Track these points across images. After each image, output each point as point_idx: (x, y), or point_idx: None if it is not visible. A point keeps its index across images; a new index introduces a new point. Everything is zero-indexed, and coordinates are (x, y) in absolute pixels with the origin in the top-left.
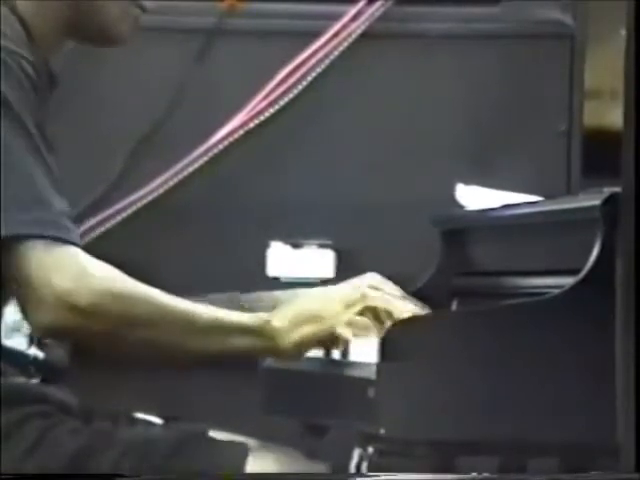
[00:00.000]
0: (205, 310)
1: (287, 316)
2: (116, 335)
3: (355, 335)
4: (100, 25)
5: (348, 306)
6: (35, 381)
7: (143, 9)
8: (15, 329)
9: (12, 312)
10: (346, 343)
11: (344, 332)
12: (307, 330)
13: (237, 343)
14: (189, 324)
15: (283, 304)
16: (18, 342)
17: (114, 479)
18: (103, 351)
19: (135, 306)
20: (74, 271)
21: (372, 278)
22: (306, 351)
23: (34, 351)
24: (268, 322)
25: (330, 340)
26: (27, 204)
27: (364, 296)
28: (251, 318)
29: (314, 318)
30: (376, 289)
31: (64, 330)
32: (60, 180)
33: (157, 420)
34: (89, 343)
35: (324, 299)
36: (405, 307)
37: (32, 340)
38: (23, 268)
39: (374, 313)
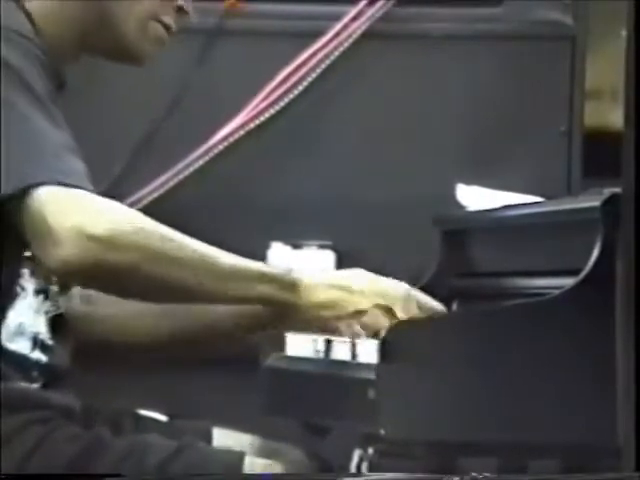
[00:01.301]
0: (229, 256)
1: (315, 276)
2: (139, 270)
3: (366, 326)
4: (118, 42)
5: (377, 295)
6: (37, 386)
7: (168, 28)
8: (18, 333)
9: (15, 315)
10: (356, 333)
11: (360, 319)
12: (330, 294)
13: (260, 290)
14: (210, 265)
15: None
16: (21, 346)
17: (113, 479)
18: (124, 290)
19: (155, 240)
20: (92, 205)
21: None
22: (322, 321)
23: (37, 355)
24: (295, 275)
25: (347, 318)
26: (42, 155)
27: (397, 299)
28: (273, 268)
29: (341, 287)
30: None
31: (85, 263)
32: (77, 149)
33: (162, 417)
34: (106, 281)
35: (359, 276)
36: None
37: (35, 343)
38: (41, 212)
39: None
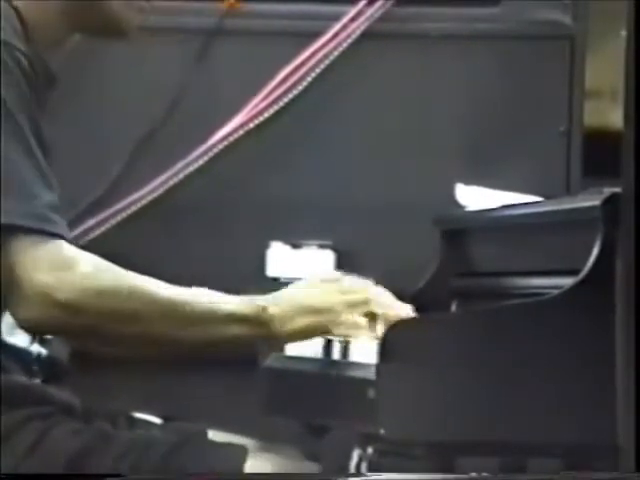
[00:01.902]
0: (198, 299)
1: (284, 303)
2: (102, 330)
3: (348, 336)
4: (103, 16)
5: (350, 306)
6: (38, 381)
7: None
8: (17, 325)
9: None
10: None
11: (341, 331)
12: (304, 321)
13: (233, 332)
14: (181, 316)
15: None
16: (21, 339)
17: (113, 479)
18: (91, 346)
19: (121, 301)
20: (56, 266)
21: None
22: (300, 341)
23: (37, 348)
24: (265, 309)
25: (325, 335)
26: (12, 195)
27: (368, 300)
28: (246, 305)
29: (314, 310)
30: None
31: (46, 325)
32: (50, 174)
33: (156, 420)
34: (74, 338)
35: (325, 293)
36: (402, 314)
37: (34, 337)
38: (6, 259)
39: (372, 318)
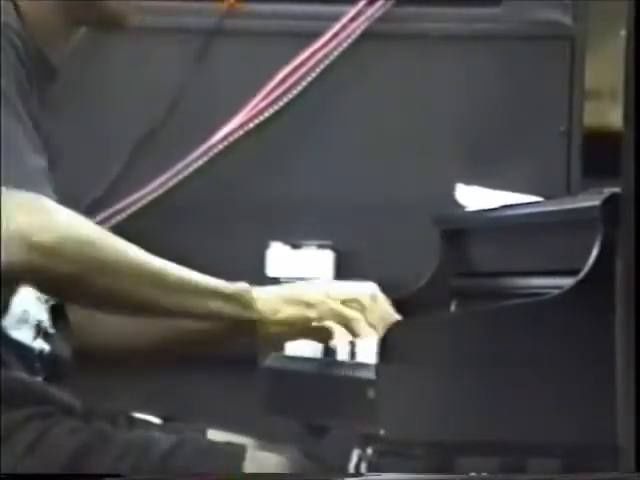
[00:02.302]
0: (178, 270)
1: (271, 291)
2: (82, 280)
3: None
4: (101, 8)
5: (336, 304)
6: (39, 378)
7: None
8: (23, 320)
9: (20, 303)
10: (329, 338)
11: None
12: (291, 311)
13: (215, 306)
14: (160, 281)
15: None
16: (24, 334)
17: (113, 479)
18: (69, 298)
19: (101, 252)
20: (41, 212)
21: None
22: (286, 337)
23: (40, 344)
24: (248, 291)
25: (313, 333)
26: (5, 157)
27: (355, 301)
28: (228, 285)
29: (300, 302)
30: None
31: (28, 269)
32: (39, 142)
33: (156, 420)
34: (55, 290)
35: (316, 288)
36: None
37: (38, 332)
38: None
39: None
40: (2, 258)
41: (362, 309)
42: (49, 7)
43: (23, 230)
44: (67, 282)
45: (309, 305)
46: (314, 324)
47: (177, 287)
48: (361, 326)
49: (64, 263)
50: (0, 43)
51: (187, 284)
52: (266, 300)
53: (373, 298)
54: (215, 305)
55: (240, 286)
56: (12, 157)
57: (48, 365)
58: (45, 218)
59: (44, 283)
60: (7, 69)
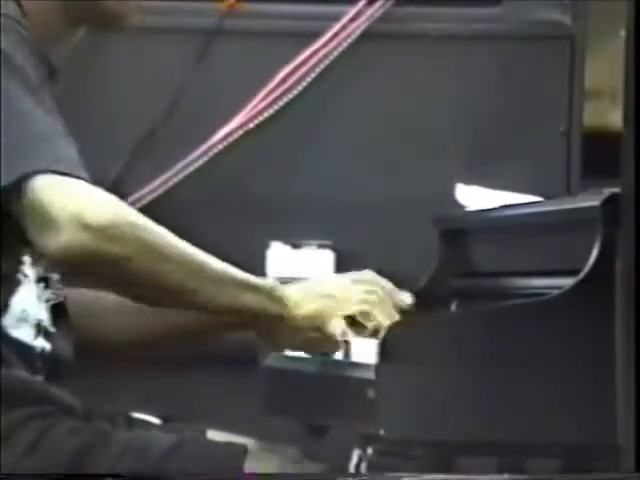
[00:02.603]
0: (219, 263)
1: (298, 287)
2: (129, 262)
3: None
4: (101, 7)
5: (362, 298)
6: (40, 377)
7: None
8: (22, 319)
9: (20, 302)
10: (345, 337)
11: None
12: (318, 304)
13: (247, 300)
14: (201, 269)
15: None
16: (25, 333)
17: (113, 479)
18: (116, 283)
19: (150, 236)
20: (90, 194)
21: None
22: (311, 330)
23: (40, 343)
24: (277, 287)
25: (335, 327)
26: (42, 144)
27: (378, 293)
28: (260, 279)
29: (324, 295)
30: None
31: (81, 251)
32: (68, 133)
33: (155, 420)
34: (105, 270)
35: (341, 284)
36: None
37: (39, 331)
38: (39, 201)
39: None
40: (58, 242)
41: (380, 297)
42: (49, 7)
43: (75, 213)
44: (119, 264)
45: (333, 296)
46: (337, 315)
47: (218, 278)
48: (387, 311)
49: (117, 244)
50: (14, 36)
51: (226, 277)
52: (293, 296)
53: (385, 302)
54: (250, 298)
55: (269, 281)
56: (46, 143)
57: (49, 364)
58: (94, 200)
59: (96, 266)
60: (28, 61)
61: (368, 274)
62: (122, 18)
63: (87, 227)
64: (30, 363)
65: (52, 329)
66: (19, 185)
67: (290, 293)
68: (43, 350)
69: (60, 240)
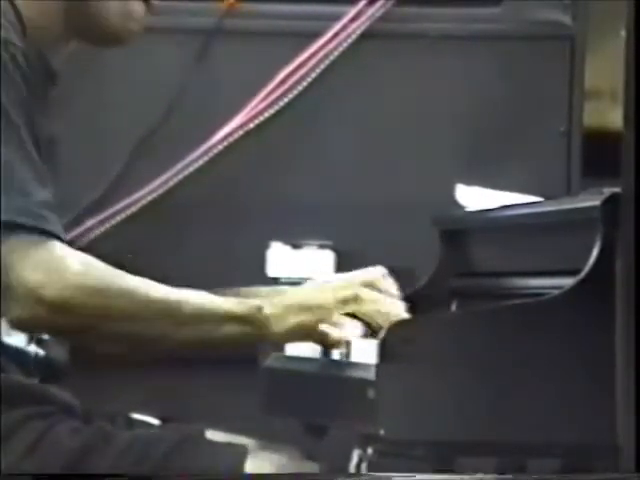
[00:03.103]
0: (192, 299)
1: (280, 303)
2: (94, 330)
3: (344, 334)
4: (101, 25)
5: (341, 302)
6: (36, 380)
7: (148, 2)
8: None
9: None
10: (336, 340)
11: (332, 328)
12: (299, 319)
13: (227, 331)
14: (174, 316)
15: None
16: (18, 339)
17: (114, 479)
18: (88, 343)
19: (111, 300)
20: (47, 264)
21: (373, 274)
22: (295, 341)
23: (34, 348)
24: (260, 309)
25: (320, 333)
26: (6, 192)
27: (357, 297)
28: (241, 305)
29: (307, 308)
30: (372, 287)
31: (36, 325)
32: (45, 173)
33: (154, 421)
34: (67, 337)
35: (318, 291)
36: (394, 313)
37: (31, 337)
38: (4, 260)
39: (364, 314)
40: (12, 314)
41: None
42: (51, 12)
43: (33, 286)
44: (79, 333)
45: (312, 309)
46: (319, 327)
47: (192, 318)
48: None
49: (74, 316)
50: (4, 62)
51: (202, 313)
52: (276, 314)
53: (371, 284)
54: (229, 330)
55: (252, 305)
56: (19, 192)
57: (43, 368)
58: (52, 269)
59: (56, 335)
60: (12, 92)
61: (371, 273)
62: (124, 38)
63: (39, 302)
64: (24, 368)
65: (45, 336)
66: None
67: (271, 312)
68: (37, 355)
69: (14, 311)
